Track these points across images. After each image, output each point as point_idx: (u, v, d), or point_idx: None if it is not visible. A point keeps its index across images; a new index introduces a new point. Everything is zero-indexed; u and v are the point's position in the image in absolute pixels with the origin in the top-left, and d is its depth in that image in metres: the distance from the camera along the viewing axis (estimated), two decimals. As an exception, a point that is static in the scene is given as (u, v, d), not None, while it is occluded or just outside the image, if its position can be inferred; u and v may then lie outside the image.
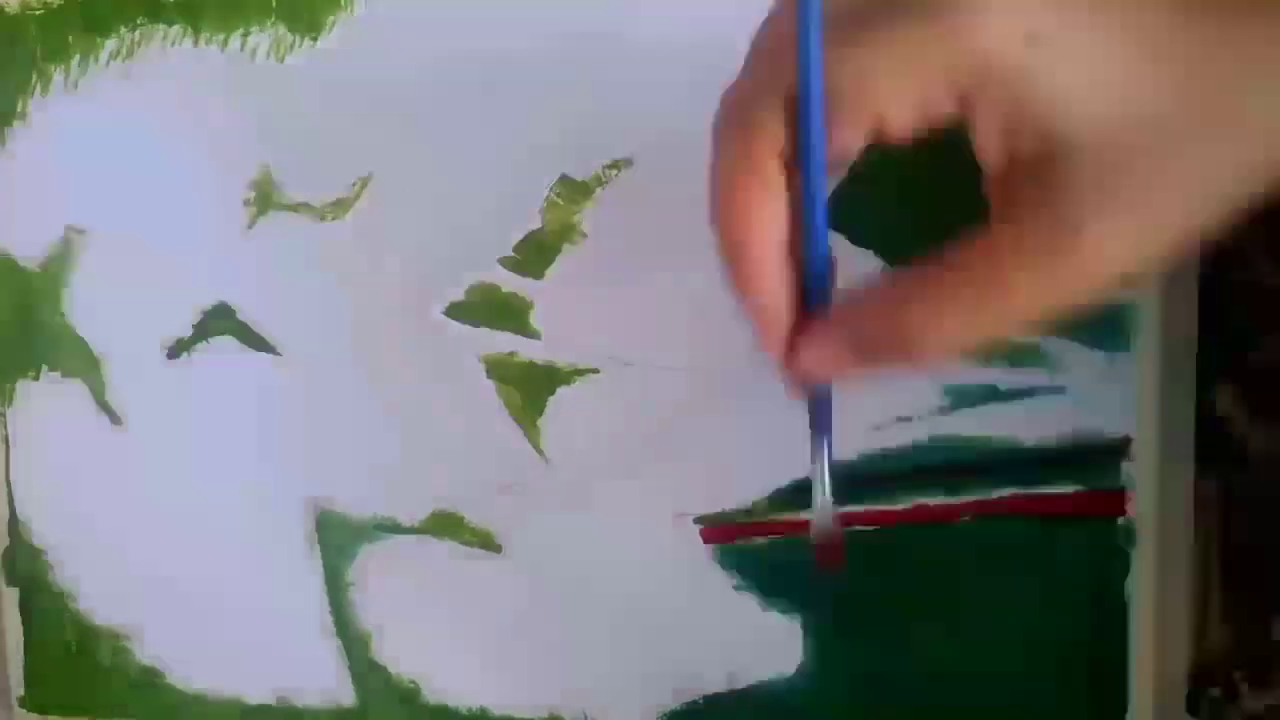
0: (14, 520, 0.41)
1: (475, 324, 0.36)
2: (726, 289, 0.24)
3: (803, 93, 0.22)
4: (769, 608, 0.35)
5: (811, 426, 0.25)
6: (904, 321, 0.23)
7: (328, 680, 0.39)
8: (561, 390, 0.36)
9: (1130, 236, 0.21)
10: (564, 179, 0.35)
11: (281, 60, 0.37)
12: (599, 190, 0.35)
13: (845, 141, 0.22)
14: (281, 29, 0.37)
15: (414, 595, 0.38)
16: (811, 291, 0.23)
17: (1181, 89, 0.21)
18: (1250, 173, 0.22)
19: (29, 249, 0.40)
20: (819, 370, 0.24)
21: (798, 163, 0.22)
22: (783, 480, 0.34)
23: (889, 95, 0.22)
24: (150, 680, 0.41)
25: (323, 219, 0.37)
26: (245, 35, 0.37)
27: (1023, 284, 0.22)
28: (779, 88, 0.23)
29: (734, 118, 0.23)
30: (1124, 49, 0.21)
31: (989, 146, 0.22)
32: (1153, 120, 0.21)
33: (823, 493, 0.25)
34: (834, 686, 0.34)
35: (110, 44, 0.39)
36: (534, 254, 0.36)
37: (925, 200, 0.32)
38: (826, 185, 0.23)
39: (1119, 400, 0.32)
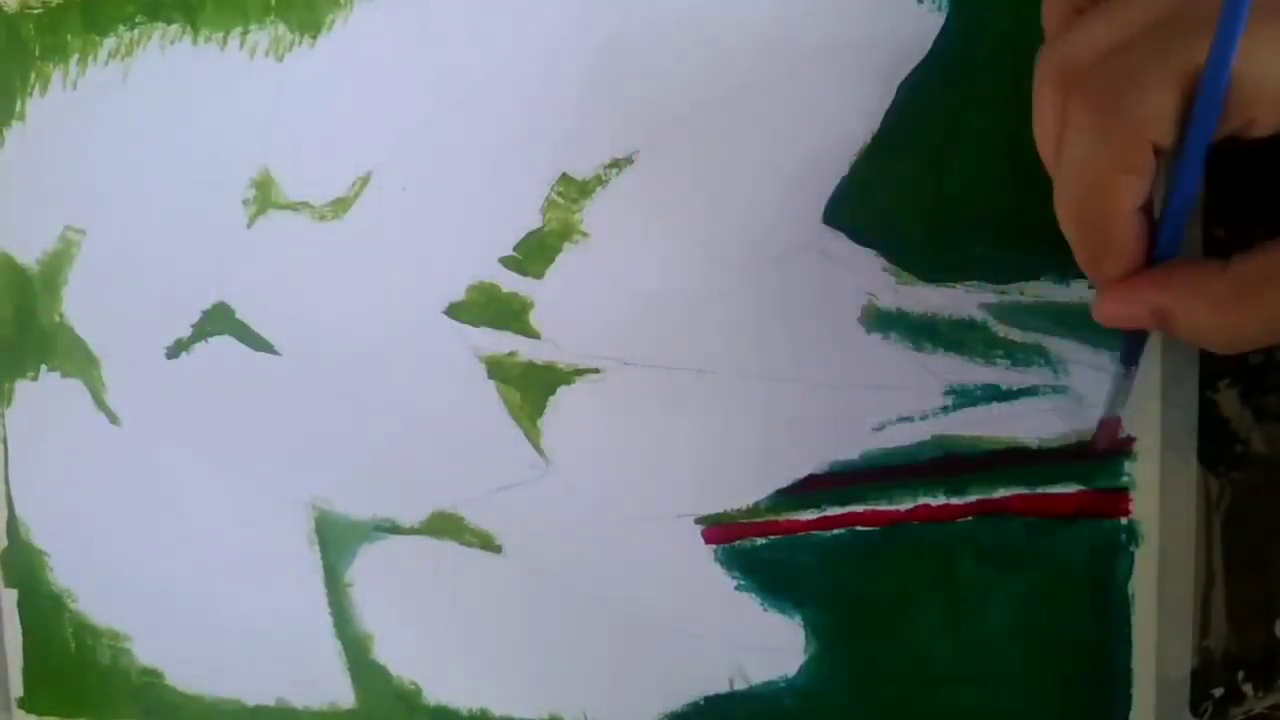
0: (13, 521, 0.41)
1: (475, 324, 0.36)
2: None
3: (1210, 89, 0.23)
4: (770, 608, 0.35)
5: (1121, 358, 0.30)
6: (1216, 317, 0.25)
7: (327, 681, 0.39)
8: (562, 390, 0.36)
9: None
10: (564, 178, 0.35)
11: (281, 59, 0.37)
12: (599, 190, 0.35)
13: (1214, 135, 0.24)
14: (281, 28, 0.37)
15: (414, 596, 0.38)
16: (1162, 246, 0.26)
17: None
18: None
19: (28, 249, 0.40)
20: (1113, 318, 0.27)
21: (1180, 148, 0.24)
22: (784, 480, 0.34)
23: (1274, 105, 0.23)
24: (149, 681, 0.41)
25: (322, 219, 0.37)
26: (244, 34, 0.37)
27: None
28: (1173, 73, 0.23)
29: (1118, 109, 0.24)
30: None
31: None
32: None
33: (1121, 407, 0.31)
34: (835, 687, 0.34)
35: (109, 43, 0.38)
36: (534, 253, 0.36)
37: (926, 200, 0.32)
38: (1202, 167, 0.24)
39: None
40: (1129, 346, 0.30)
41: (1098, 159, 0.25)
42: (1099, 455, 0.32)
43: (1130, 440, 0.32)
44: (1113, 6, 0.25)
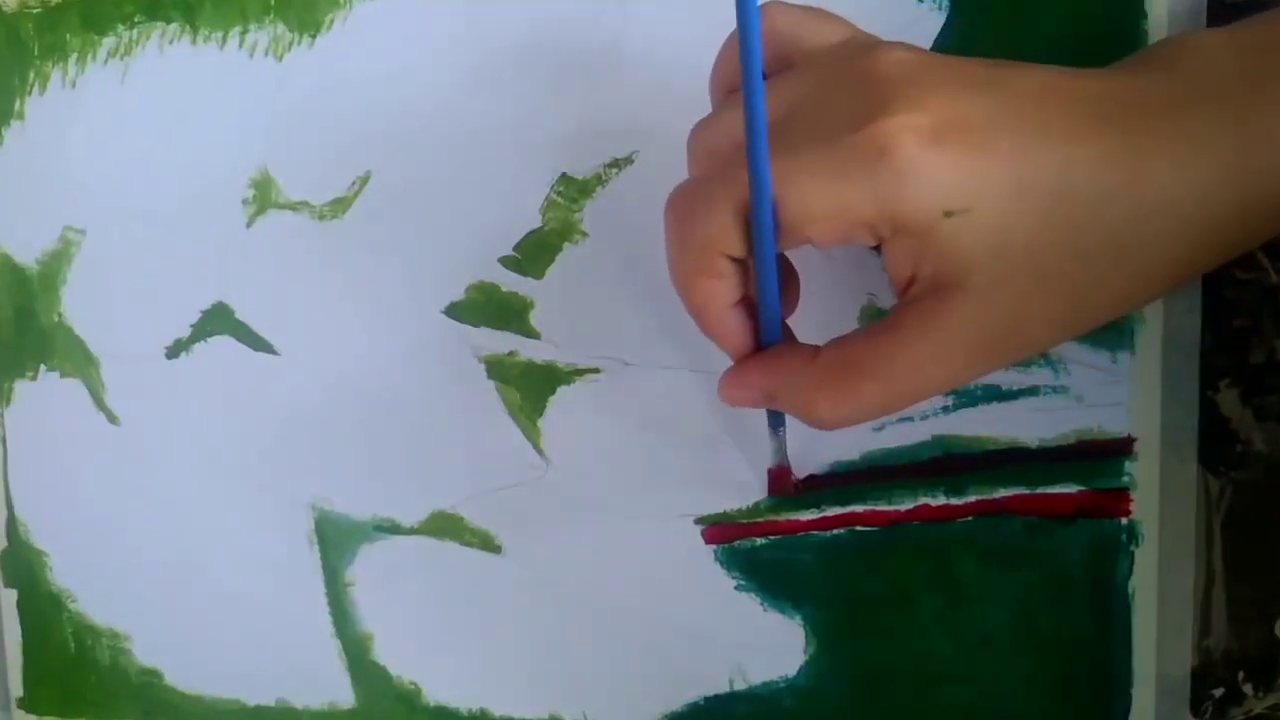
0: (12, 521, 0.41)
1: (475, 324, 0.36)
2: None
3: (757, 218, 0.25)
4: (770, 608, 0.35)
5: (769, 422, 0.32)
6: (809, 403, 0.27)
7: (327, 681, 0.39)
8: (561, 390, 0.36)
9: (1001, 358, 0.26)
10: (565, 178, 0.35)
11: (280, 59, 0.37)
12: (599, 189, 0.35)
13: (780, 248, 0.26)
14: (280, 27, 0.37)
15: (414, 596, 0.38)
16: (764, 339, 0.28)
17: (1074, 245, 0.24)
18: (1124, 305, 0.26)
19: (27, 249, 0.40)
20: (733, 401, 0.29)
21: (750, 253, 0.26)
22: (784, 480, 0.34)
23: (821, 230, 0.25)
24: (149, 681, 0.41)
25: (322, 218, 0.37)
26: (244, 33, 0.37)
27: (908, 378, 0.26)
28: (730, 198, 0.25)
29: (690, 224, 0.26)
30: (1031, 215, 0.23)
31: (897, 266, 0.25)
32: (1042, 273, 0.24)
33: (779, 460, 0.33)
34: (835, 687, 0.34)
35: (108, 42, 0.38)
36: (534, 253, 0.36)
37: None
38: (775, 270, 0.27)
39: (1122, 400, 0.32)
40: (771, 412, 0.32)
41: (680, 263, 0.27)
42: (774, 497, 0.34)
43: (1131, 440, 0.32)
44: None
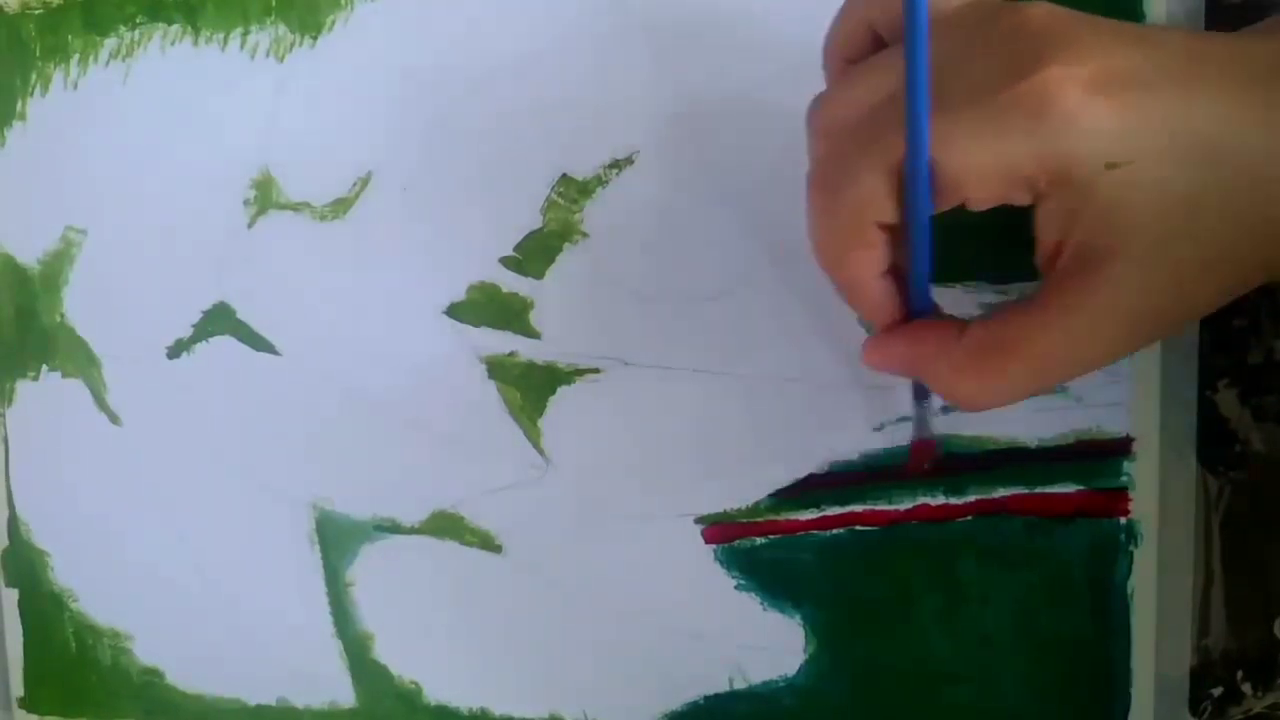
0: (14, 520, 0.41)
1: (475, 324, 0.36)
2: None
3: (911, 179, 0.24)
4: (770, 608, 0.35)
5: (913, 393, 0.32)
6: (953, 383, 0.26)
7: (328, 680, 0.39)
8: (562, 390, 0.36)
9: (1157, 329, 0.25)
10: (565, 178, 0.35)
11: (281, 60, 0.37)
12: (600, 189, 0.35)
13: (935, 210, 0.25)
14: (281, 28, 0.37)
15: (414, 595, 0.38)
16: (913, 306, 0.28)
17: (1231, 205, 0.23)
18: (1276, 269, 0.24)
19: (28, 249, 0.40)
20: (878, 366, 0.29)
21: (901, 218, 0.25)
22: (784, 480, 0.34)
23: (979, 188, 0.24)
24: (150, 681, 0.41)
25: (323, 219, 0.37)
26: (245, 34, 0.37)
27: (1059, 359, 0.25)
28: (879, 162, 0.25)
29: (839, 193, 0.26)
30: (1191, 172, 0.23)
31: (1048, 230, 0.24)
32: (1200, 237, 0.23)
33: (922, 433, 0.32)
34: (835, 686, 0.34)
35: (110, 43, 0.38)
36: (534, 254, 0.36)
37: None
38: (930, 234, 0.26)
39: (1121, 400, 0.32)
40: (917, 382, 0.31)
41: (829, 235, 0.26)
42: (909, 476, 0.33)
43: (1129, 440, 0.32)
44: (868, 69, 0.26)
